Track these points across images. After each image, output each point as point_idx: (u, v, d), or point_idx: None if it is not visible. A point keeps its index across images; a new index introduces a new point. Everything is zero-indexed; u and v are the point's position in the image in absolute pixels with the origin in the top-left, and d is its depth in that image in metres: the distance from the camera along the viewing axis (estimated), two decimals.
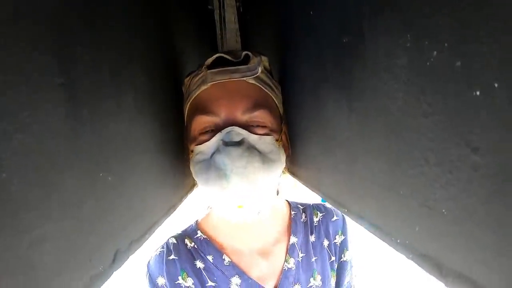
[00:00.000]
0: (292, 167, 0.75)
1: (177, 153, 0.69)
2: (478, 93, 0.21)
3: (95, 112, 0.37)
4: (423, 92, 0.26)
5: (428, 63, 0.25)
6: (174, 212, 0.64)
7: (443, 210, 0.25)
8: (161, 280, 0.75)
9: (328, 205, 0.91)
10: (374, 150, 0.36)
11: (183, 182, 0.71)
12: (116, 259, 0.37)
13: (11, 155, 0.23)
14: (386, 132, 0.33)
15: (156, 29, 0.64)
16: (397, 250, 0.33)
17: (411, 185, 0.29)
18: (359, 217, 0.42)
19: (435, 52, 0.24)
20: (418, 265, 0.30)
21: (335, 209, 0.89)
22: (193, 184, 0.79)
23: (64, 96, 0.31)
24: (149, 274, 0.78)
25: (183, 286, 0.74)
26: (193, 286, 0.74)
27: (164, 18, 0.70)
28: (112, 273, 0.37)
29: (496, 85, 0.19)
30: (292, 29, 0.66)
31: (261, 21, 1.02)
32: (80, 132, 0.33)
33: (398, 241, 0.32)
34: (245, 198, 0.61)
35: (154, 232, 0.50)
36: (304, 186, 0.71)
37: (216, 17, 1.04)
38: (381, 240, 0.37)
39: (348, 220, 0.89)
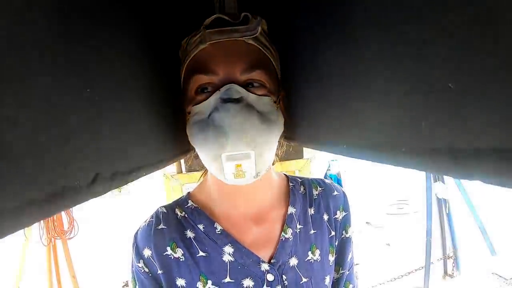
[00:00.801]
0: (290, 131, 0.72)
1: (174, 111, 0.67)
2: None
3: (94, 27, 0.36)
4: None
5: None
6: (163, 168, 0.62)
7: (450, 85, 0.22)
8: (147, 252, 0.72)
9: (327, 180, 0.88)
10: (370, 62, 0.35)
11: (177, 142, 0.69)
12: (95, 181, 0.35)
13: None
14: (379, 28, 0.31)
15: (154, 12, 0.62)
16: (403, 163, 0.30)
17: (412, 77, 0.27)
18: (358, 146, 0.40)
19: None
20: (429, 167, 0.27)
21: (335, 185, 0.87)
22: (187, 150, 0.76)
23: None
24: (136, 245, 0.75)
25: (172, 258, 0.71)
26: (182, 257, 0.71)
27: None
28: (90, 196, 0.34)
29: None
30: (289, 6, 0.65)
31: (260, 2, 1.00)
32: (72, 38, 0.32)
33: (403, 149, 0.30)
34: (243, 157, 0.59)
35: (140, 176, 0.48)
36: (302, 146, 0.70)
37: (216, 4, 1.03)
38: (385, 161, 0.34)
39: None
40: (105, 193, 0.37)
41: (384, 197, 6.63)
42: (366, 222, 5.87)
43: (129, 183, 0.44)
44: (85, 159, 0.34)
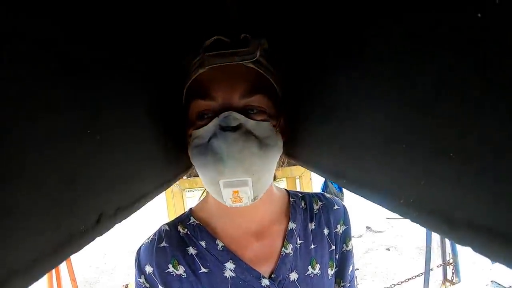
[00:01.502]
0: (291, 149, 0.73)
1: (172, 130, 0.67)
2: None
3: (90, 67, 0.35)
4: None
5: None
6: (167, 188, 0.62)
7: (451, 154, 0.23)
8: (148, 268, 0.74)
9: (328, 195, 0.90)
10: (374, 106, 0.34)
11: (178, 161, 0.69)
12: (100, 221, 0.35)
13: None
14: (388, 82, 0.31)
15: (153, 8, 0.62)
16: (400, 213, 0.31)
17: (416, 132, 0.27)
18: (359, 184, 0.40)
19: None
20: (425, 223, 0.28)
21: (336, 199, 0.89)
22: (188, 167, 0.77)
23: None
24: (138, 261, 0.77)
25: (174, 275, 0.73)
26: (184, 274, 0.73)
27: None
28: (95, 236, 0.35)
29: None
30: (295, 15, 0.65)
31: (261, 9, 1.00)
32: (72, 82, 0.32)
33: (402, 201, 0.30)
34: (240, 183, 0.60)
35: (144, 203, 0.48)
36: (303, 167, 0.70)
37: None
38: (383, 205, 0.34)
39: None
40: (109, 230, 0.38)
41: None
42: (367, 227, 5.86)
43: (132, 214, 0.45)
44: (89, 201, 0.34)
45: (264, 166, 0.62)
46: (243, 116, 0.60)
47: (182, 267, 0.73)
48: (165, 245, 0.76)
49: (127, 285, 3.74)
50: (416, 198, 0.28)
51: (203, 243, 0.75)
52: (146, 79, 0.54)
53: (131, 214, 0.44)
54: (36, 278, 0.26)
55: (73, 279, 3.53)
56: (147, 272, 0.74)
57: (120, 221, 0.40)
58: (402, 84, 0.29)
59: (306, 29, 0.58)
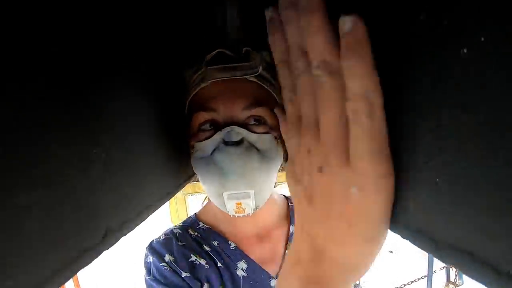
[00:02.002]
0: None
1: (174, 141, 0.68)
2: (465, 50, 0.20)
3: (93, 84, 0.37)
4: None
5: None
6: (171, 198, 0.64)
7: (436, 179, 0.24)
8: (169, 257, 0.75)
9: None
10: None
11: (180, 171, 0.70)
12: (107, 236, 0.37)
13: None
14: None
15: (156, 20, 0.63)
16: (396, 232, 0.32)
17: (404, 157, 0.29)
18: None
19: None
20: (413, 242, 0.29)
21: None
22: (190, 176, 0.78)
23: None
24: (155, 251, 0.77)
25: (198, 263, 0.75)
26: (207, 265, 0.75)
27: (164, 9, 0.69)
28: (102, 251, 0.36)
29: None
30: None
31: (263, 16, 1.01)
32: (75, 101, 0.33)
33: (394, 217, 0.32)
34: (243, 196, 0.63)
35: (148, 215, 0.49)
36: None
37: (218, 13, 1.04)
38: None
39: None
40: (115, 243, 0.39)
41: None
42: None
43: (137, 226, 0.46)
44: (97, 218, 0.35)
45: (265, 178, 0.64)
46: (245, 130, 0.62)
47: (204, 260, 0.76)
48: (183, 243, 0.78)
49: None
50: (406, 219, 0.30)
51: (215, 243, 0.78)
52: (148, 92, 0.56)
53: (136, 226, 0.45)
54: None
55: (77, 285, 3.55)
56: (167, 260, 0.75)
57: (126, 234, 0.42)
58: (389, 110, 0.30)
59: None
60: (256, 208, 0.67)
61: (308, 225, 0.37)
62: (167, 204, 2.24)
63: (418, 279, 3.59)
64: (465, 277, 3.77)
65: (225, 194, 0.63)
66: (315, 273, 0.36)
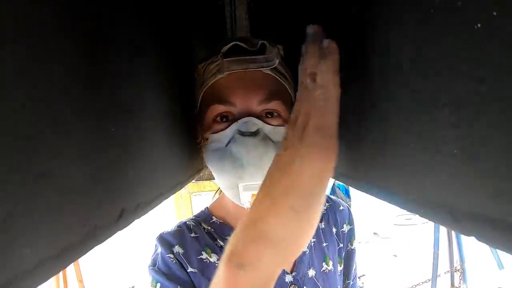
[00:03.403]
0: None
1: (187, 133, 0.69)
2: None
3: (113, 68, 0.38)
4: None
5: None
6: (181, 189, 0.64)
7: (455, 151, 0.24)
8: (178, 249, 0.73)
9: (333, 197, 0.94)
10: (381, 110, 0.36)
11: (191, 163, 0.71)
12: (122, 216, 0.37)
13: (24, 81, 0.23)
14: (394, 87, 0.33)
15: (166, 22, 0.64)
16: (410, 210, 0.33)
17: (422, 135, 0.29)
18: (370, 185, 0.42)
19: None
20: (430, 218, 0.29)
21: (340, 201, 0.93)
22: (200, 169, 0.79)
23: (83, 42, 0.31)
24: (165, 241, 0.76)
25: (208, 262, 0.73)
26: (217, 262, 0.73)
27: (174, 11, 0.70)
28: (116, 230, 0.37)
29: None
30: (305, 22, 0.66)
31: (272, 17, 1.02)
32: (96, 82, 0.33)
33: (410, 198, 0.32)
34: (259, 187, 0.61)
35: (160, 202, 0.50)
36: None
37: (227, 13, 1.05)
38: (395, 204, 0.36)
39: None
40: (128, 225, 0.39)
41: (391, 207, 6.58)
42: (374, 233, 5.84)
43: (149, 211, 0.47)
44: (113, 198, 0.36)
45: None
46: (261, 121, 0.62)
47: (216, 255, 0.74)
48: (196, 235, 0.77)
49: (133, 287, 3.75)
50: (423, 195, 0.30)
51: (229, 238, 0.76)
52: (164, 83, 0.57)
53: (149, 211, 0.45)
54: (63, 266, 0.28)
55: (80, 280, 3.54)
56: (176, 251, 0.73)
57: (139, 217, 0.42)
58: (409, 91, 0.31)
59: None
60: None
61: None
62: (172, 202, 2.25)
63: (422, 282, 3.57)
64: (469, 281, 3.75)
65: (241, 186, 0.62)
66: None
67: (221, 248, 0.75)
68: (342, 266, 0.85)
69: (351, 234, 0.89)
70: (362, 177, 0.45)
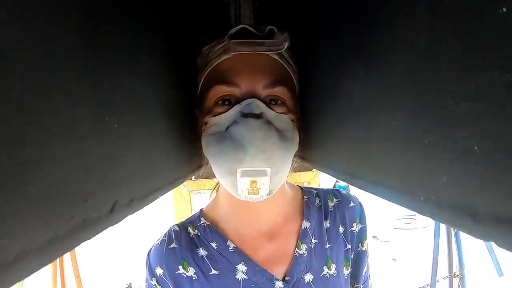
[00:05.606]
0: (304, 151, 0.72)
1: (187, 128, 0.67)
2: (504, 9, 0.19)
3: (112, 57, 0.36)
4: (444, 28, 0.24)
5: None
6: (179, 184, 0.62)
7: (475, 147, 0.22)
8: (159, 271, 0.73)
9: (344, 191, 0.86)
10: (391, 108, 0.34)
11: (191, 158, 0.69)
12: (113, 210, 0.35)
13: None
14: (404, 83, 0.31)
15: (170, 18, 0.62)
16: (421, 212, 0.30)
17: (437, 130, 0.27)
18: (377, 185, 0.40)
19: None
20: (446, 220, 0.27)
21: (352, 196, 0.85)
22: (200, 165, 0.77)
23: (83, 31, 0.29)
24: (149, 263, 0.75)
25: (185, 276, 0.71)
26: (195, 275, 0.71)
27: (178, 8, 0.68)
28: (108, 225, 0.35)
29: None
30: (310, 20, 0.64)
31: (276, 17, 1.00)
32: (92, 69, 0.32)
33: (422, 198, 0.30)
34: (260, 173, 0.58)
35: (156, 197, 0.48)
36: (317, 169, 0.69)
37: (232, 11, 1.03)
38: (402, 204, 0.34)
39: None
40: (122, 220, 0.37)
41: (391, 211, 6.56)
42: (373, 236, 5.81)
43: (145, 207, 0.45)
44: (105, 189, 0.34)
45: (283, 158, 0.60)
46: (265, 105, 0.59)
47: (193, 268, 0.71)
48: (175, 246, 0.74)
49: (130, 283, 3.73)
50: (438, 195, 0.27)
51: (213, 245, 0.73)
52: (163, 74, 0.54)
53: (144, 206, 0.43)
54: (49, 260, 0.26)
55: (77, 275, 3.53)
56: (158, 274, 0.72)
57: (133, 212, 0.40)
58: (419, 88, 0.29)
59: (320, 33, 0.58)
60: (270, 193, 0.62)
61: None
62: (171, 200, 2.24)
63: (421, 287, 3.55)
64: (468, 287, 3.73)
65: (239, 171, 0.58)
66: None
67: (202, 258, 0.72)
68: (350, 268, 0.79)
69: (362, 234, 0.82)
70: (366, 176, 0.43)
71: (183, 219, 0.83)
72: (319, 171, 2.10)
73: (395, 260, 5.00)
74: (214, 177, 0.68)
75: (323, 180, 2.36)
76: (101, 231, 0.33)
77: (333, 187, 3.74)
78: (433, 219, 0.29)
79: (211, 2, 0.99)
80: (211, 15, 1.02)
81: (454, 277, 3.74)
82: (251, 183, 0.59)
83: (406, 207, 0.33)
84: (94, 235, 0.32)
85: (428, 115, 0.28)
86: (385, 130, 0.36)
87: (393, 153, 0.35)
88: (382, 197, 0.38)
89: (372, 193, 0.41)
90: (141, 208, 0.43)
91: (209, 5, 0.99)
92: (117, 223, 0.36)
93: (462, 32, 0.23)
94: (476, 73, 0.22)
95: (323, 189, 0.86)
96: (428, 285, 3.57)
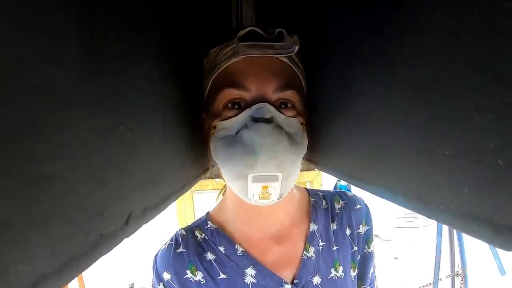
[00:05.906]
0: (312, 154, 0.72)
1: (193, 131, 0.66)
2: None
3: (116, 64, 0.35)
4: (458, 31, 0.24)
5: None
6: (189, 189, 0.62)
7: (499, 161, 0.22)
8: (166, 275, 0.72)
9: (349, 193, 0.86)
10: (406, 116, 0.34)
11: (198, 161, 0.68)
12: (129, 222, 0.35)
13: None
14: (421, 90, 0.30)
15: (172, 18, 0.61)
16: (442, 221, 0.30)
17: (458, 142, 0.26)
18: (393, 192, 0.39)
19: None
20: (466, 229, 0.27)
21: (358, 198, 0.85)
22: (207, 168, 0.76)
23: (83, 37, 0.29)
24: (156, 268, 0.75)
25: (193, 281, 0.71)
26: (203, 280, 0.71)
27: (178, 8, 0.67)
28: (123, 237, 0.34)
29: None
30: (315, 19, 0.64)
31: (278, 17, 1.00)
32: (99, 77, 0.31)
33: (442, 207, 0.29)
34: (271, 179, 0.58)
35: (168, 204, 0.48)
36: (325, 172, 0.69)
37: (233, 11, 1.03)
38: (418, 212, 0.33)
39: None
40: (135, 231, 0.37)
41: (393, 209, 6.56)
42: (375, 235, 5.78)
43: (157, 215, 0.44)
44: (119, 201, 0.33)
45: (293, 163, 0.60)
46: (275, 109, 0.58)
47: (201, 273, 0.71)
48: (182, 250, 0.74)
49: (132, 284, 3.73)
50: (458, 205, 0.27)
51: (221, 249, 0.73)
52: (166, 77, 0.54)
53: (156, 214, 0.43)
54: (68, 280, 0.25)
55: (79, 277, 3.53)
56: (165, 279, 0.72)
57: (147, 222, 0.40)
58: (434, 94, 0.28)
59: (327, 34, 0.58)
60: (280, 197, 0.62)
61: None
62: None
63: (423, 286, 3.54)
64: (470, 285, 3.73)
65: (250, 176, 0.57)
66: None
67: (210, 262, 0.72)
68: (356, 270, 0.80)
69: (368, 236, 0.83)
70: (377, 181, 0.43)
71: (186, 219, 0.82)
72: (320, 171, 2.09)
73: (397, 258, 5.00)
74: (217, 177, 0.68)
75: (325, 179, 2.35)
76: (117, 244, 0.33)
77: (335, 186, 3.74)
78: (452, 227, 0.29)
79: (212, 2, 0.99)
80: (212, 15, 1.01)
81: (457, 276, 3.73)
82: (263, 189, 0.59)
83: (423, 215, 0.33)
84: (110, 250, 0.32)
85: (447, 126, 0.27)
86: (399, 138, 0.36)
87: (408, 161, 0.34)
88: (399, 204, 0.38)
89: (387, 199, 0.40)
90: (154, 217, 0.42)
91: (210, 5, 0.98)
92: (131, 234, 0.36)
93: (487, 39, 0.22)
94: (503, 86, 0.21)
95: (329, 191, 0.86)
96: (430, 283, 3.57)
